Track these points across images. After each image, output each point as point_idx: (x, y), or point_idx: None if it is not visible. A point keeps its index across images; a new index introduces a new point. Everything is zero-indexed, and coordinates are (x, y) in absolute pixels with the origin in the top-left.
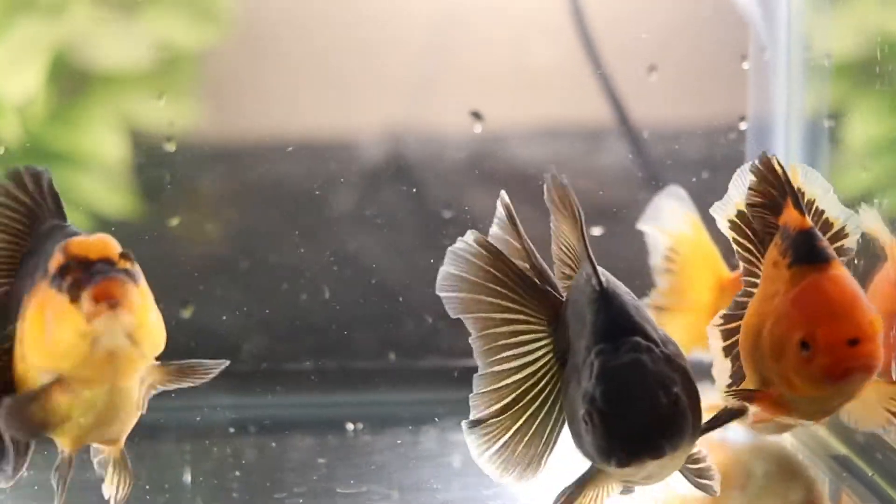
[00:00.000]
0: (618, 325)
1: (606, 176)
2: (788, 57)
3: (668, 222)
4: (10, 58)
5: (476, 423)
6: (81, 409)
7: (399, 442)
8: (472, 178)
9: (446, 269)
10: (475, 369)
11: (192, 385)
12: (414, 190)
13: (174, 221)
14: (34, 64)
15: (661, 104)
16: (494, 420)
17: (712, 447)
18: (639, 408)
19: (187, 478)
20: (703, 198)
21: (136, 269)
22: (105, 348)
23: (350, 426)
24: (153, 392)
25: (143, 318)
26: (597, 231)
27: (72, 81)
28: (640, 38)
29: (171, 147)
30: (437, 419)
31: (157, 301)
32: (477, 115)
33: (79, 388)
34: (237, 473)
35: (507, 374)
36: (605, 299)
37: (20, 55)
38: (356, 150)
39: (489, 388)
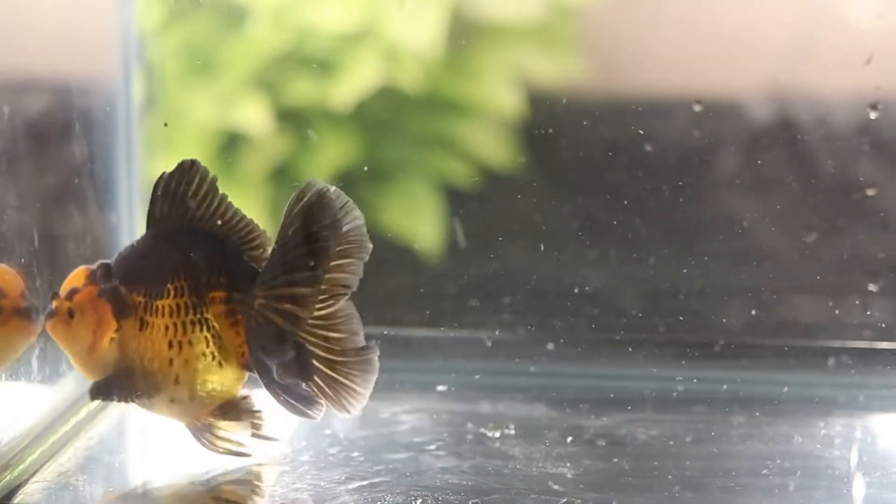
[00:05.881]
0: None
1: None
2: None
3: None
4: (412, 7)
5: None
6: None
7: None
8: (862, 145)
9: None
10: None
11: None
12: (800, 155)
13: (556, 175)
14: (434, 14)
15: None
16: None
17: None
18: None
19: None
20: None
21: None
22: None
23: None
24: None
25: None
26: None
27: (467, 33)
28: None
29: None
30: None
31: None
32: None
33: None
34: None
35: None
36: None
37: (422, 5)
38: (739, 110)
39: None
